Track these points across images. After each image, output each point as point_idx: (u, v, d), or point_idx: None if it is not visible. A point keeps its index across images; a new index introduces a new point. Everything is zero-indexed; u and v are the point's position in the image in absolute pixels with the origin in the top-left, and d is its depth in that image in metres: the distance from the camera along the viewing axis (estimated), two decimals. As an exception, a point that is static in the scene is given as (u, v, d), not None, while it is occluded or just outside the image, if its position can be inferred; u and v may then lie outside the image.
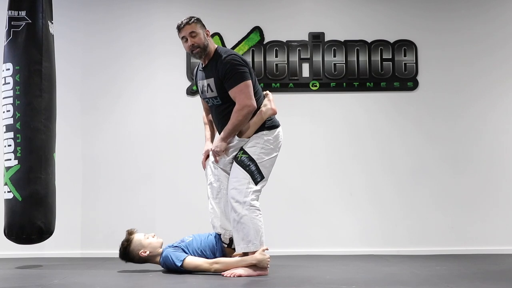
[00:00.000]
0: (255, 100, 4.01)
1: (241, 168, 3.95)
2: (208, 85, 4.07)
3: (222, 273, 3.83)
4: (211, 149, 4.05)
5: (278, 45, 5.82)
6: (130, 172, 5.73)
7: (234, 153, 4.02)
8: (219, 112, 4.07)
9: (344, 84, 5.80)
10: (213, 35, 5.82)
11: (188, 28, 4.07)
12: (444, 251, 5.47)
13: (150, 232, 4.24)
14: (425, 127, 5.76)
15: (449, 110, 5.77)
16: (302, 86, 5.80)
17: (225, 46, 5.79)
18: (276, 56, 5.82)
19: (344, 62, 5.81)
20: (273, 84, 5.78)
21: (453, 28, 5.85)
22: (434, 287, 3.25)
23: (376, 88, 5.79)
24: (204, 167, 4.28)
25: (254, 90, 4.02)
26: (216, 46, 4.18)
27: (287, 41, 5.83)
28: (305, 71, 5.82)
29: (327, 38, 5.84)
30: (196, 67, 4.31)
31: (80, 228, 5.65)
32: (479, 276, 3.79)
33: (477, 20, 5.85)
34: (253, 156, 3.97)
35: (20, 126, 4.44)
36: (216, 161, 4.06)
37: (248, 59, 5.78)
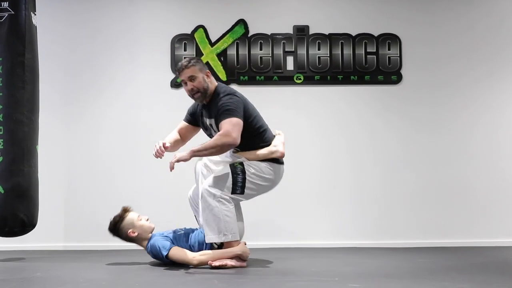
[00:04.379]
0: (259, 133, 4.07)
1: (230, 173, 3.95)
2: (210, 125, 4.11)
3: (210, 262, 3.83)
4: (175, 156, 3.96)
5: (263, 38, 5.81)
6: (114, 165, 5.70)
7: (221, 166, 4.03)
8: None
9: (329, 77, 5.80)
10: (197, 28, 5.81)
11: (187, 72, 4.05)
12: (427, 244, 5.50)
13: (144, 215, 4.22)
14: (409, 121, 5.78)
15: (432, 104, 5.79)
16: (286, 79, 5.80)
17: (209, 39, 5.79)
18: (261, 49, 5.81)
19: (328, 55, 5.81)
20: (257, 77, 5.78)
21: (437, 22, 5.86)
22: (417, 279, 3.27)
23: (360, 81, 5.80)
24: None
25: (257, 125, 4.08)
26: (216, 84, 4.15)
27: (271, 34, 5.82)
28: (290, 64, 5.82)
29: (311, 31, 5.84)
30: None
31: (63, 221, 5.62)
32: (461, 268, 3.82)
33: (462, 14, 5.87)
34: (247, 171, 3.98)
35: (3, 118, 4.39)
36: (171, 168, 3.97)
37: (232, 51, 5.77)
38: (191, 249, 4.03)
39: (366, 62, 5.80)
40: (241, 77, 5.77)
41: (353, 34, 5.82)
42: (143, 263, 4.15)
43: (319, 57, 5.80)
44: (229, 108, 3.93)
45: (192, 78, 4.03)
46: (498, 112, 5.79)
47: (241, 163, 4.01)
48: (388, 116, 5.78)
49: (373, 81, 5.80)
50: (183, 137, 4.42)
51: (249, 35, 5.82)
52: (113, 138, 5.73)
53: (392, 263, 4.03)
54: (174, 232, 4.17)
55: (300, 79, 5.80)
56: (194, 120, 4.33)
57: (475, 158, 5.74)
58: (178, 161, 3.91)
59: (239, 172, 3.96)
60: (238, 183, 3.95)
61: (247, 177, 3.97)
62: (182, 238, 4.10)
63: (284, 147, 4.14)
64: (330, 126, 5.77)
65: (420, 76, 5.81)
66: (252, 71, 5.78)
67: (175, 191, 5.62)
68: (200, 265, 3.87)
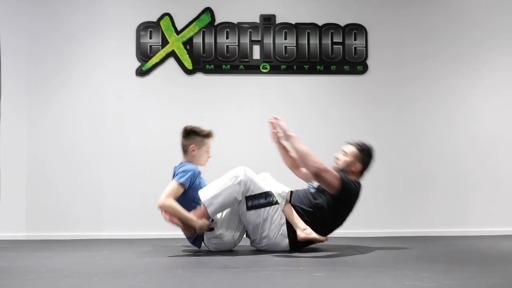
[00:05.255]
0: (334, 222, 4.29)
1: (265, 193, 4.08)
2: None
3: (167, 214, 3.96)
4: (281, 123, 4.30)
5: (229, 27, 5.78)
6: (78, 154, 5.62)
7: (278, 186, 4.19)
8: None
9: (295, 67, 5.80)
10: (163, 16, 5.75)
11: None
12: (393, 233, 5.55)
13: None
14: (375, 111, 5.81)
15: (398, 94, 5.83)
16: (252, 68, 5.78)
17: (175, 27, 5.75)
18: (227, 38, 5.78)
19: (295, 45, 5.80)
20: (223, 66, 5.75)
21: (402, 13, 5.90)
22: (380, 268, 3.29)
23: (326, 71, 5.81)
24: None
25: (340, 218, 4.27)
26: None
27: (238, 23, 5.79)
28: (256, 53, 5.80)
29: (278, 21, 5.82)
30: None
31: (25, 210, 5.53)
32: (425, 257, 3.85)
33: (426, 4, 5.91)
34: (270, 212, 4.06)
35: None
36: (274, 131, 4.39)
37: (199, 40, 5.73)
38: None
39: (332, 52, 5.81)
40: (207, 66, 5.73)
41: (320, 24, 5.82)
42: (106, 252, 4.10)
43: (285, 47, 5.79)
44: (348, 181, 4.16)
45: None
46: (460, 96, 5.86)
47: (276, 202, 4.07)
48: (354, 106, 5.81)
49: (339, 71, 5.82)
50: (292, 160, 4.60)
51: (215, 24, 5.78)
52: (77, 127, 5.65)
53: (357, 253, 4.05)
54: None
55: (266, 68, 5.78)
56: None
57: (442, 148, 5.80)
58: (281, 129, 4.20)
59: (267, 201, 4.05)
60: (255, 202, 4.03)
61: (263, 212, 4.05)
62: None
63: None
64: (296, 116, 5.77)
65: (385, 66, 5.84)
66: (218, 60, 5.75)
67: (139, 181, 5.59)
68: (165, 208, 3.96)
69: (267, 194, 4.06)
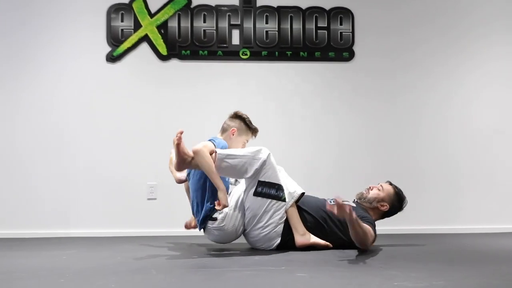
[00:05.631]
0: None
1: (278, 187, 4.09)
2: None
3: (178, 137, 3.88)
4: None
5: (207, 10, 5.75)
6: (39, 145, 5.58)
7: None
8: None
9: (277, 53, 5.79)
10: (135, -3, 5.73)
11: None
12: (378, 231, 5.55)
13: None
14: (361, 101, 5.82)
15: (387, 83, 5.85)
16: (231, 54, 5.76)
17: (149, 10, 5.72)
18: (204, 22, 5.75)
19: (276, 29, 5.79)
20: (200, 52, 5.72)
21: (391, -4, 5.92)
22: (367, 268, 3.30)
23: (310, 58, 5.81)
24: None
25: None
26: None
27: (216, 5, 5.77)
28: (235, 38, 5.78)
29: (259, 4, 5.80)
30: None
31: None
32: (414, 256, 3.87)
33: (416, -12, 5.94)
34: (275, 209, 4.07)
35: None
36: None
37: (174, 24, 5.70)
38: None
39: (316, 37, 5.81)
40: (183, 52, 5.71)
41: (303, 8, 5.82)
42: (73, 251, 4.08)
43: (266, 31, 5.78)
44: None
45: None
46: (453, 85, 5.89)
47: (284, 200, 4.08)
48: (339, 95, 5.82)
49: (324, 58, 5.82)
50: None
51: (192, 6, 5.76)
52: (41, 117, 5.60)
53: (343, 251, 4.06)
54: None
55: (246, 54, 5.77)
56: None
57: (432, 138, 5.83)
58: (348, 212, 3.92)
59: (277, 194, 4.06)
60: (265, 190, 4.04)
61: (268, 204, 4.05)
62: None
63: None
64: (277, 104, 5.77)
65: (373, 53, 5.85)
66: (195, 45, 5.72)
67: (112, 174, 5.56)
68: (199, 153, 3.88)
69: (279, 188, 4.07)
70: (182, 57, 5.71)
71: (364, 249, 3.98)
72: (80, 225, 5.50)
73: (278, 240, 4.09)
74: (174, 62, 5.72)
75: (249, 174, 4.01)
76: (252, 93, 5.75)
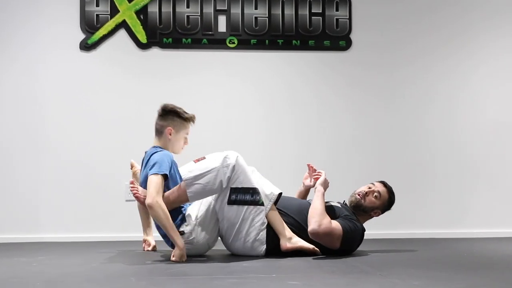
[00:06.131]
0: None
1: (254, 190, 4.05)
2: None
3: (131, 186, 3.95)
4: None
5: (190, -6, 5.76)
6: (5, 143, 5.55)
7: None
8: None
9: (267, 41, 5.79)
10: (112, -21, 5.71)
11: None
12: (378, 235, 5.57)
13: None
14: (358, 91, 5.83)
15: (384, 73, 5.86)
16: (217, 43, 5.76)
17: (127, -7, 5.70)
18: (188, 7, 5.75)
19: (267, 16, 5.80)
20: (183, 40, 5.72)
21: (391, -20, 5.94)
22: (365, 275, 3.31)
23: (303, 46, 5.81)
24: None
25: None
26: None
27: (200, -11, 5.77)
28: (222, 25, 5.78)
29: (247, -13, 5.82)
30: None
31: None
32: (416, 262, 3.88)
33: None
34: (251, 211, 4.03)
35: None
36: None
37: (154, 9, 5.68)
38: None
39: (310, 24, 5.82)
40: (164, 40, 5.70)
41: (296, -8, 5.83)
42: (43, 257, 4.07)
43: (256, 18, 5.78)
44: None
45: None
46: (458, 81, 5.91)
47: (262, 203, 4.05)
48: (335, 87, 5.83)
49: (318, 47, 5.83)
50: None
51: (174, -10, 5.75)
52: (8, 111, 5.59)
53: (338, 257, 4.07)
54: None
55: (233, 42, 5.77)
56: None
57: (430, 135, 5.86)
58: (324, 183, 4.26)
59: (253, 198, 4.02)
60: (239, 197, 3.99)
61: (245, 211, 4.02)
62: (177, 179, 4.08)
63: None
64: (267, 98, 5.78)
65: (371, 42, 5.87)
66: (178, 32, 5.72)
67: (85, 173, 5.55)
68: (155, 208, 3.80)
69: (254, 191, 4.02)
70: (163, 46, 5.70)
71: (314, 228, 3.98)
72: (51, 229, 5.49)
73: (264, 247, 4.08)
74: (155, 51, 5.72)
75: (225, 185, 3.95)
76: (240, 85, 5.75)
